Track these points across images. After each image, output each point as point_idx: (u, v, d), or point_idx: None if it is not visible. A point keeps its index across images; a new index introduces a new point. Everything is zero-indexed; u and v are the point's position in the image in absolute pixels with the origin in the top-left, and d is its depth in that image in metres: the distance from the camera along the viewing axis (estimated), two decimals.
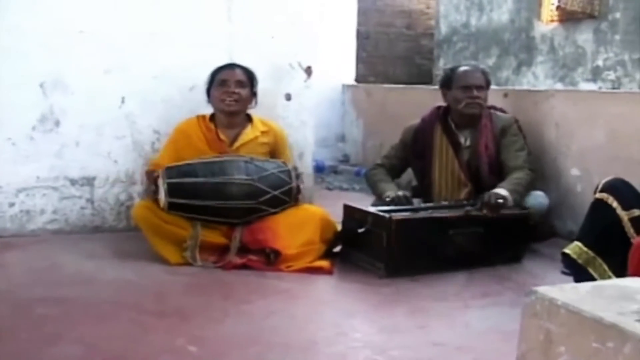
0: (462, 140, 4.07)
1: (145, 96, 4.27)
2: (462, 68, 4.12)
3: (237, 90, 3.81)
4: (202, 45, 4.34)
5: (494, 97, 4.31)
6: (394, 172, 4.22)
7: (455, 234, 3.53)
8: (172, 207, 3.53)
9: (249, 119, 3.94)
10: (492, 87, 4.24)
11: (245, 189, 3.57)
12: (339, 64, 8.10)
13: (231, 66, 3.91)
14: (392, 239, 3.38)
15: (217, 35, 4.41)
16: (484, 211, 3.59)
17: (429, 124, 4.14)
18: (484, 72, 4.12)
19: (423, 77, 8.95)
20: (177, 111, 4.18)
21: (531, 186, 3.93)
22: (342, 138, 7.92)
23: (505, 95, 4.74)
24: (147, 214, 3.59)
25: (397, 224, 3.40)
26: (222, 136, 3.85)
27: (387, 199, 3.81)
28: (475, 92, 3.99)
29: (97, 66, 4.17)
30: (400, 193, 3.87)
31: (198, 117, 3.92)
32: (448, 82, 4.10)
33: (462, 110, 4.02)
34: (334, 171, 7.20)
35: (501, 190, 3.71)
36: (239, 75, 3.85)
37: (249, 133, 3.88)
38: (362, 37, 8.91)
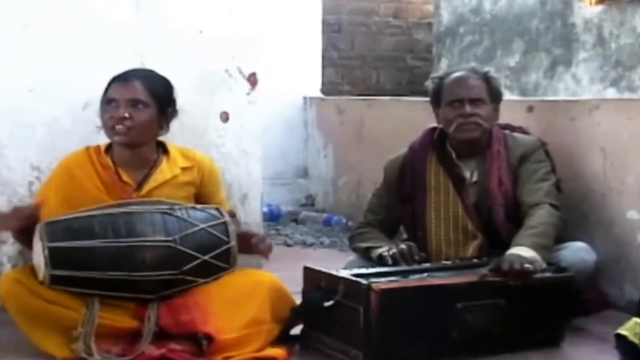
0: (466, 174, 4.10)
1: (17, 118, 4.25)
2: (453, 75, 4.15)
3: (128, 113, 3.70)
4: (100, 44, 4.34)
5: (514, 111, 4.35)
6: (384, 230, 4.23)
7: (466, 308, 3.52)
8: (55, 282, 3.50)
9: (163, 150, 3.91)
10: (514, 97, 4.27)
11: (163, 254, 3.57)
12: (298, 69, 8.12)
13: (124, 77, 3.80)
14: (372, 316, 3.36)
15: (122, 29, 4.42)
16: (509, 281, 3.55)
17: (419, 153, 4.17)
18: (486, 78, 4.13)
19: (418, 84, 8.99)
20: (64, 138, 4.18)
21: (559, 231, 3.91)
22: (304, 173, 7.94)
23: (530, 108, 4.79)
24: (20, 290, 3.53)
25: (380, 296, 3.38)
26: (125, 177, 3.81)
27: (386, 254, 3.84)
28: (468, 109, 4.00)
29: None
30: (402, 246, 3.90)
31: (88, 149, 3.87)
32: (437, 96, 4.14)
33: (454, 135, 4.06)
34: (294, 219, 7.23)
35: (522, 251, 3.64)
36: (135, 90, 3.75)
37: (164, 171, 3.85)
38: (332, 30, 8.97)
